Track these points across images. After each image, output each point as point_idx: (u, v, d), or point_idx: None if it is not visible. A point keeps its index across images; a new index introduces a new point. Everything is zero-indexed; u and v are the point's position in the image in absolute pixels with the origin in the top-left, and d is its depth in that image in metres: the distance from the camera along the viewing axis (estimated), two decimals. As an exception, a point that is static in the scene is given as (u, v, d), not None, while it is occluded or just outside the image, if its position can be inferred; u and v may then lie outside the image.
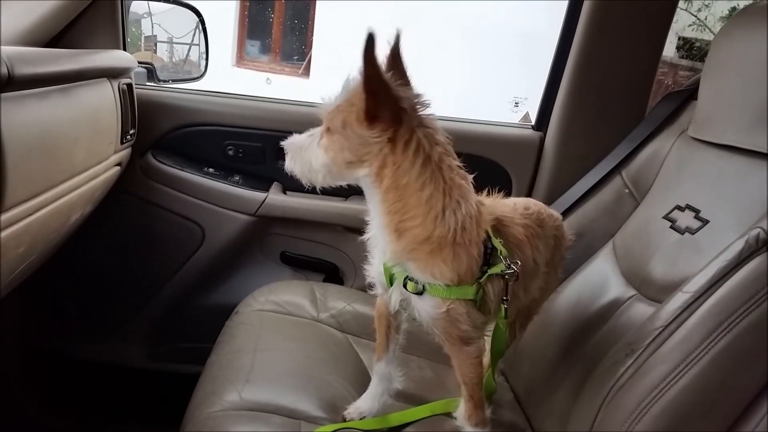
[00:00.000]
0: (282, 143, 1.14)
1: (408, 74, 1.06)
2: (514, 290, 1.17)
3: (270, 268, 2.04)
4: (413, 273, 1.07)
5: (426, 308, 1.08)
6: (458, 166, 1.06)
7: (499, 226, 1.15)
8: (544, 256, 1.26)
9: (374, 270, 1.16)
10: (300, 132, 1.14)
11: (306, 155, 1.10)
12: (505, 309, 1.13)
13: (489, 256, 1.09)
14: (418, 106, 1.03)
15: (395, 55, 1.05)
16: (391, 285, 1.12)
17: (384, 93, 0.97)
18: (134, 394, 2.03)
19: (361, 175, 1.05)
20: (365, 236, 1.14)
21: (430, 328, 1.12)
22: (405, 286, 1.08)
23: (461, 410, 1.21)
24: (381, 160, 1.01)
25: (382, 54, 1.02)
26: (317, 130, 1.10)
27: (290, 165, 1.13)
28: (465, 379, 1.16)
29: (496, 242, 1.10)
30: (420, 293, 1.07)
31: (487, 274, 1.08)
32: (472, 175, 1.10)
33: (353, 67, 0.98)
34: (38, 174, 1.17)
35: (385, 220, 1.05)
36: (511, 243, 1.15)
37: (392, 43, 1.04)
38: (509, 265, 1.09)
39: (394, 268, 1.09)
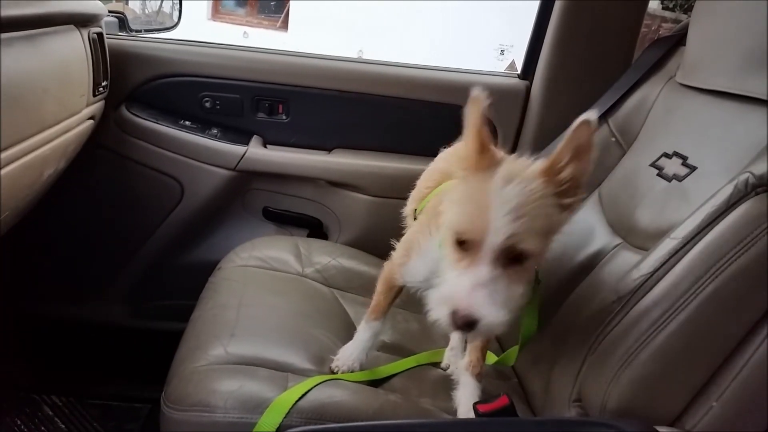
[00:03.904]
0: (442, 318, 0.88)
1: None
2: None
3: (252, 224, 2.02)
4: None
5: None
6: None
7: None
8: None
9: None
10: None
11: (502, 299, 0.85)
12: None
13: None
14: None
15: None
16: None
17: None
18: (118, 353, 2.02)
19: None
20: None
21: None
22: None
23: (465, 359, 1.22)
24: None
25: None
26: (473, 273, 0.85)
27: (487, 328, 0.86)
28: None
29: None
30: None
31: None
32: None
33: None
34: (6, 126, 1.11)
35: None
36: None
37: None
38: None
39: None
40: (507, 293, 0.85)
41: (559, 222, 0.90)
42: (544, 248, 0.89)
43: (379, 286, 1.26)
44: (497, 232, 0.82)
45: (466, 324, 0.83)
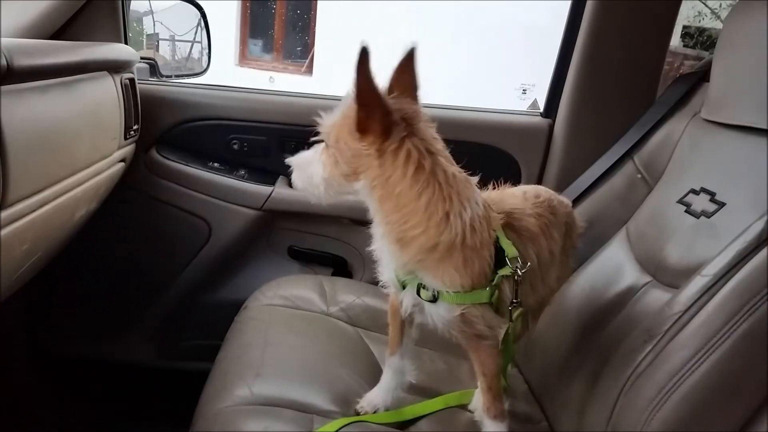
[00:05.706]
0: (287, 160, 1.15)
1: (417, 85, 1.07)
2: (533, 283, 1.16)
3: (278, 263, 2.02)
4: (425, 281, 1.06)
5: (440, 313, 1.08)
6: (459, 172, 1.05)
7: (511, 221, 1.13)
8: (558, 244, 1.24)
9: (385, 274, 1.15)
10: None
11: (309, 170, 1.11)
12: (510, 312, 1.10)
13: (500, 257, 1.07)
14: (413, 118, 1.03)
15: (405, 66, 1.06)
16: (404, 289, 1.11)
17: (375, 105, 0.98)
18: (144, 393, 2.02)
19: (359, 188, 1.06)
20: (371, 247, 1.14)
21: (444, 331, 1.11)
22: (418, 293, 1.07)
23: (479, 402, 1.19)
24: (373, 171, 1.02)
25: (388, 64, 1.05)
26: (321, 146, 1.11)
27: (295, 180, 1.15)
28: (484, 371, 1.14)
29: (505, 243, 1.08)
30: (434, 300, 1.06)
31: (498, 277, 1.06)
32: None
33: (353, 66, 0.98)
34: (40, 169, 1.15)
35: (384, 230, 1.05)
36: (525, 236, 1.14)
37: (404, 54, 1.06)
38: (516, 268, 1.07)
39: (405, 277, 1.09)
40: (316, 158, 1.10)
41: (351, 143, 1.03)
42: (343, 149, 1.05)
43: (389, 317, 1.26)
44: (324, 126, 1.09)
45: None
